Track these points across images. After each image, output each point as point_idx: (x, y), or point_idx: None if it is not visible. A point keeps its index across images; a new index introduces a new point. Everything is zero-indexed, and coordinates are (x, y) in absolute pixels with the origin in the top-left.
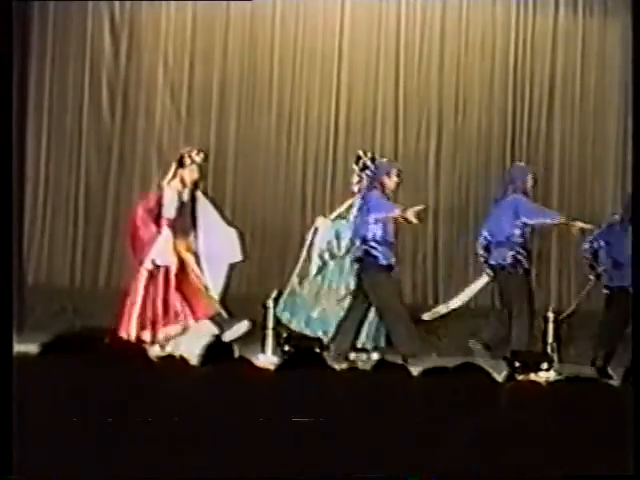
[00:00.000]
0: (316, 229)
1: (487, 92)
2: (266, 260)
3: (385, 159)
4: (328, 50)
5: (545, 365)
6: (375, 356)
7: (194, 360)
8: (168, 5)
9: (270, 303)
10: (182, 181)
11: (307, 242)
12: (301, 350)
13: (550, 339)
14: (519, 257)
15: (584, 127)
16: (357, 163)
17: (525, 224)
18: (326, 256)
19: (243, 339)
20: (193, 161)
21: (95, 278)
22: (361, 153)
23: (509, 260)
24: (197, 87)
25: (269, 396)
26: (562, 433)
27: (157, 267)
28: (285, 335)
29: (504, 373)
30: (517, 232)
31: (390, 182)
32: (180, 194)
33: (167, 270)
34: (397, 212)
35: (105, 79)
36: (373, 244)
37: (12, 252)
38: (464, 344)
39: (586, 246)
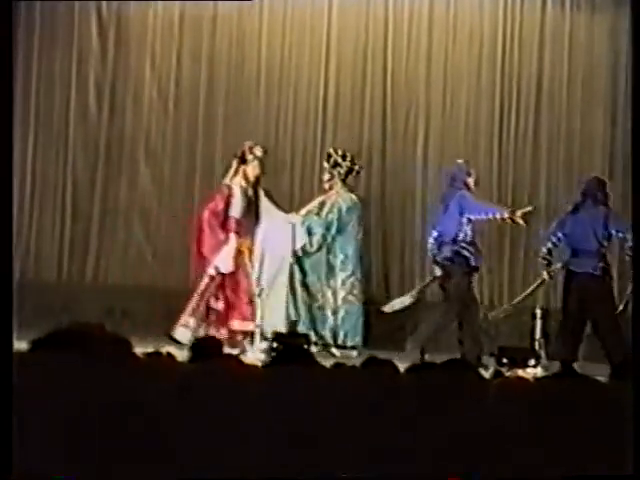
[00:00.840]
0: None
1: (475, 86)
2: None
3: (462, 160)
4: (315, 44)
5: (532, 361)
6: (354, 354)
7: (182, 356)
8: (155, 2)
9: (257, 299)
10: (245, 177)
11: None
12: (289, 347)
13: (537, 335)
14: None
15: (571, 121)
16: (328, 160)
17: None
18: (299, 252)
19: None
20: (255, 156)
21: (82, 274)
22: (332, 151)
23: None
24: (184, 83)
25: (257, 393)
26: (549, 430)
27: (220, 274)
28: (272, 332)
29: (491, 370)
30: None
31: (472, 183)
32: (245, 191)
33: (225, 276)
34: (506, 214)
35: (92, 75)
36: (464, 245)
37: (11, 250)
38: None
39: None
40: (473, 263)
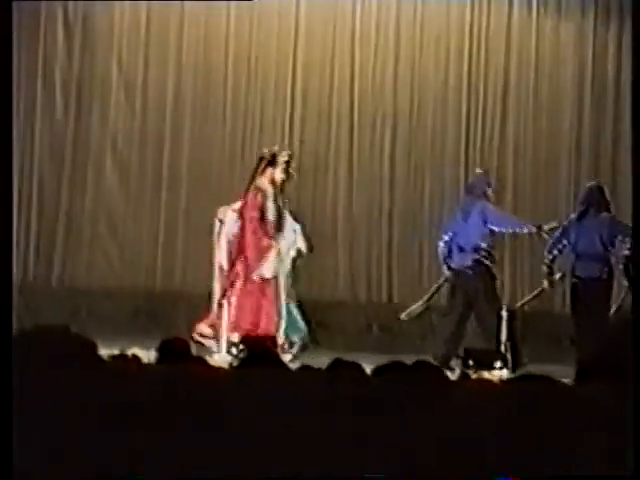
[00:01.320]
0: (221, 221)
1: (441, 92)
2: None
3: (481, 170)
4: (283, 49)
5: (499, 363)
6: (293, 351)
7: (148, 358)
8: (122, 2)
9: (224, 302)
10: (272, 181)
11: (215, 234)
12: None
13: (504, 338)
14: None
15: (538, 125)
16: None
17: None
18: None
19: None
20: (284, 161)
21: (48, 276)
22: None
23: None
24: (152, 85)
25: (224, 395)
26: (515, 432)
27: (265, 280)
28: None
29: (457, 371)
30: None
31: (491, 194)
32: (274, 195)
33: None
34: (534, 229)
35: (58, 77)
36: (484, 254)
37: (11, 252)
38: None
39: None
40: (494, 271)
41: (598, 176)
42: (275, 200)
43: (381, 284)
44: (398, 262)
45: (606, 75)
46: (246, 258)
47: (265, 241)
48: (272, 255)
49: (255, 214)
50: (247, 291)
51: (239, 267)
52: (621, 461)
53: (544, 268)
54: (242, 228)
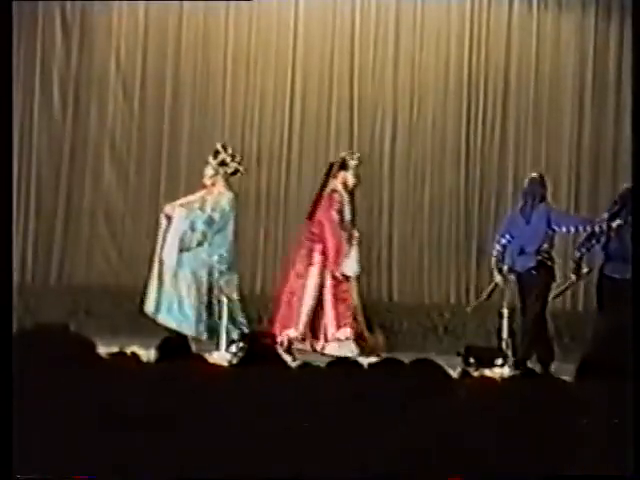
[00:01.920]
0: (169, 217)
1: (442, 90)
2: None
3: (536, 174)
4: (282, 48)
5: (499, 361)
6: (233, 349)
7: (148, 357)
8: (120, 2)
9: (224, 299)
10: (345, 184)
11: (161, 230)
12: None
13: (505, 335)
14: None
15: (538, 123)
16: (215, 157)
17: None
18: (181, 246)
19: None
20: (355, 165)
21: (46, 275)
22: (220, 148)
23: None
24: (150, 84)
25: (224, 393)
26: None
27: (345, 277)
28: (239, 331)
29: (458, 369)
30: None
31: (548, 195)
32: (348, 197)
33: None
34: (598, 228)
35: (56, 76)
36: (545, 255)
37: (11, 252)
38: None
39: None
40: (555, 271)
41: (598, 176)
42: (350, 202)
43: (381, 283)
44: (398, 261)
45: (607, 72)
46: (327, 258)
47: (345, 241)
48: (353, 254)
49: (334, 215)
50: (338, 290)
51: (321, 266)
52: (621, 461)
53: (572, 264)
54: (321, 230)
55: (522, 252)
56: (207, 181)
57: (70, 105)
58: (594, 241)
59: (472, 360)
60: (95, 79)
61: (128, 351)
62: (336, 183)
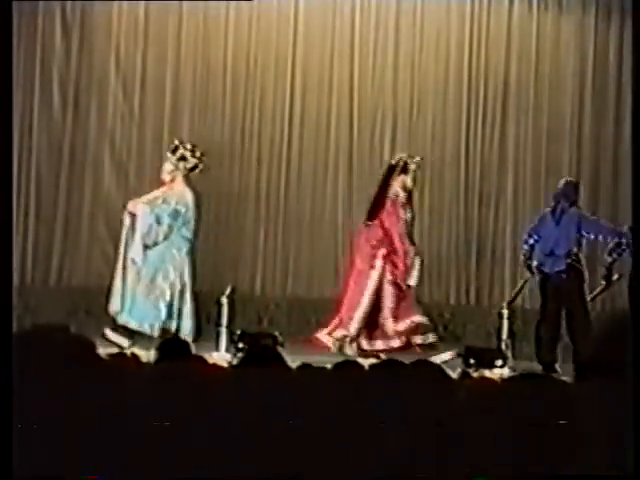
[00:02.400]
0: (132, 214)
1: (442, 91)
2: (219, 257)
3: (571, 179)
4: (282, 48)
5: (499, 362)
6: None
7: (147, 357)
8: (120, 2)
9: (224, 300)
10: (404, 188)
11: (125, 228)
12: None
13: (504, 335)
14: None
15: (538, 124)
16: (174, 152)
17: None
18: (148, 242)
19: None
20: (414, 169)
21: (46, 275)
22: (178, 143)
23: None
24: (150, 84)
25: (224, 394)
26: (515, 431)
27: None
28: (239, 332)
29: (458, 370)
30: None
31: (579, 200)
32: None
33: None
34: (625, 240)
35: (56, 76)
36: (575, 258)
37: (11, 252)
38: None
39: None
40: (584, 274)
41: (598, 176)
42: (410, 205)
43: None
44: None
45: (607, 73)
46: (395, 265)
47: (411, 249)
48: (417, 263)
49: (400, 222)
50: (400, 297)
51: (381, 272)
52: (621, 461)
53: (604, 270)
54: (387, 236)
55: (551, 254)
56: (166, 177)
57: (70, 105)
58: (624, 247)
59: (472, 361)
60: (95, 79)
61: (128, 352)
62: (397, 187)
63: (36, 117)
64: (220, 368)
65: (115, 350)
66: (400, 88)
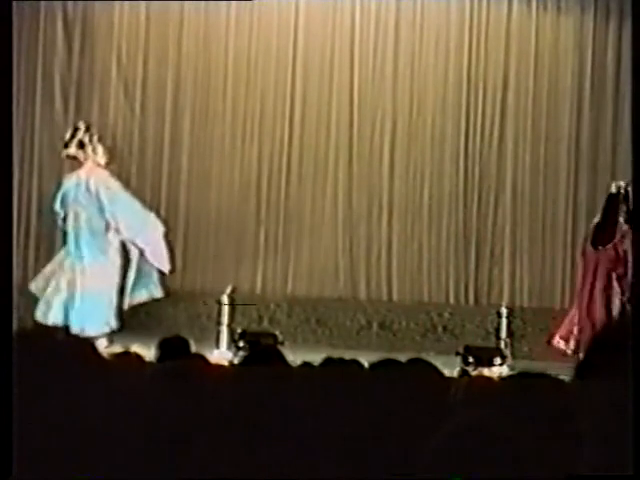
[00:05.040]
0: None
1: (441, 91)
2: (221, 258)
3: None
4: (282, 49)
5: (498, 360)
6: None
7: (148, 356)
8: (121, 2)
9: (224, 299)
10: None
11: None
12: (255, 345)
13: (503, 334)
14: None
15: (537, 125)
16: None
17: None
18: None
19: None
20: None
21: None
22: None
23: None
24: (151, 84)
25: (224, 393)
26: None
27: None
28: (239, 331)
29: (457, 368)
30: None
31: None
32: None
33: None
34: None
35: (58, 76)
36: None
37: (11, 252)
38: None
39: None
40: None
41: (597, 176)
42: None
43: (381, 282)
44: (398, 261)
45: (605, 73)
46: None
47: None
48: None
49: (627, 249)
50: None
51: (620, 297)
52: (621, 461)
53: None
54: (622, 262)
55: None
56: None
57: (71, 106)
58: None
59: (471, 359)
60: (96, 79)
61: (128, 350)
62: (619, 216)
63: (37, 117)
64: (221, 367)
65: (117, 349)
66: (400, 88)
